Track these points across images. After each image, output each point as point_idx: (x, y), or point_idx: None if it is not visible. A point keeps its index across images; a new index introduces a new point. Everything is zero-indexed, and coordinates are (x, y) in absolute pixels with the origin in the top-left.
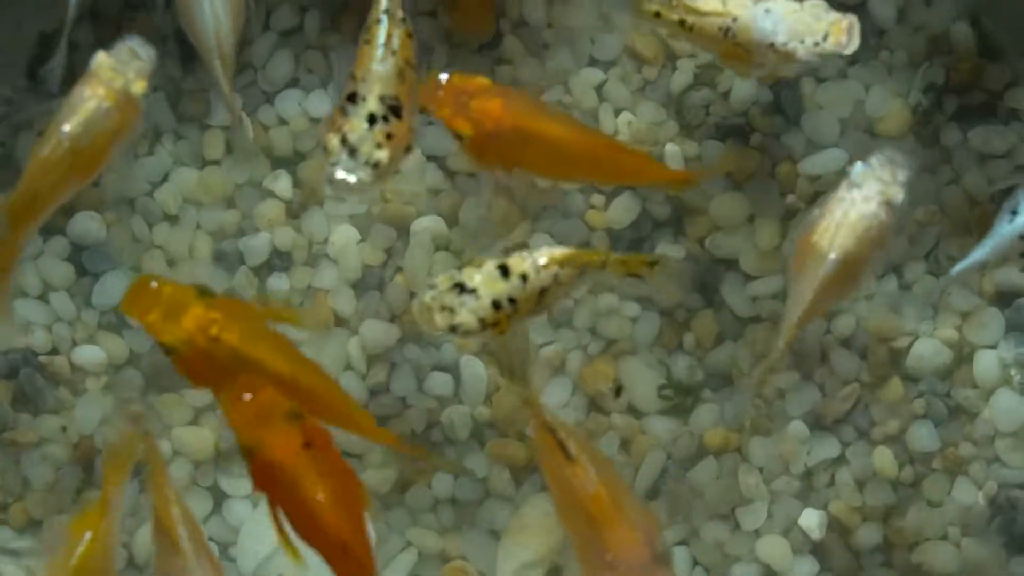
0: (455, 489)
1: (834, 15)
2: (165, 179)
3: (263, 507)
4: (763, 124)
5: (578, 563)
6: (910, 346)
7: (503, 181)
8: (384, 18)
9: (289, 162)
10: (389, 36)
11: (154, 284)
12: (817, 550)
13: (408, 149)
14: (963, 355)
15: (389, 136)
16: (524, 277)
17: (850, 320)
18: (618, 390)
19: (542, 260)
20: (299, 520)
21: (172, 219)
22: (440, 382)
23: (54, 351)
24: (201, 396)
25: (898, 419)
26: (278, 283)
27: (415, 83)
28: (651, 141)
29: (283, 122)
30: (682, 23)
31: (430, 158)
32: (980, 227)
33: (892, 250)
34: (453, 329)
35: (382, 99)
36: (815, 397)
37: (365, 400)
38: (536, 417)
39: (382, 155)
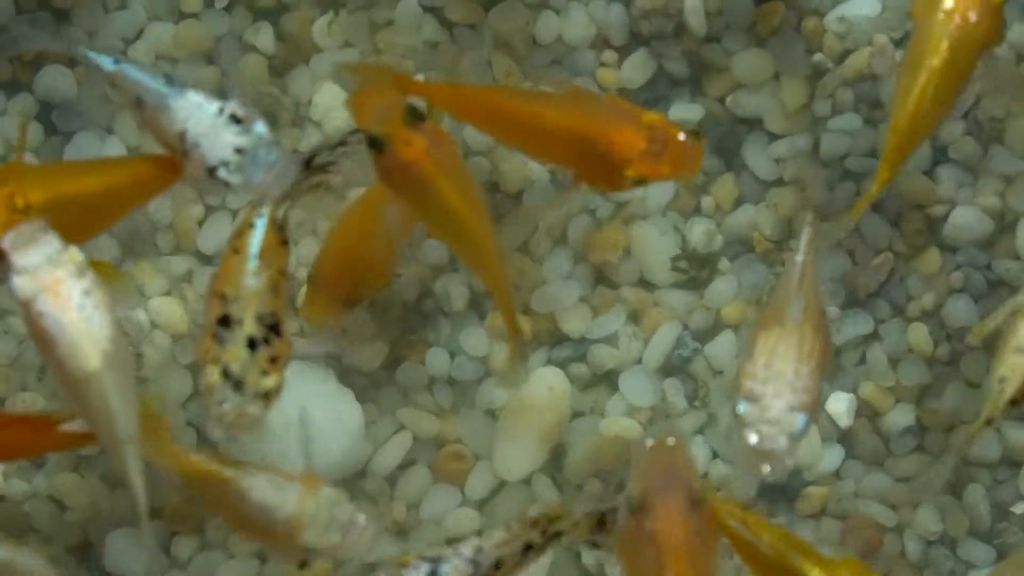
0: (452, 368)
1: None
2: (139, 35)
3: None
4: None
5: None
6: (947, 214)
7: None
8: (260, 223)
9: (272, 13)
10: (267, 246)
11: None
12: (844, 437)
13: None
14: (1004, 224)
15: (274, 359)
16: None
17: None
18: None
19: None
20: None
21: None
22: (434, 247)
23: None
24: (178, 265)
25: (934, 293)
26: None
27: (288, 292)
28: None
29: None
30: None
31: (427, 9)
32: None
33: None
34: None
35: (260, 319)
36: (845, 266)
37: None
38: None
39: (271, 382)
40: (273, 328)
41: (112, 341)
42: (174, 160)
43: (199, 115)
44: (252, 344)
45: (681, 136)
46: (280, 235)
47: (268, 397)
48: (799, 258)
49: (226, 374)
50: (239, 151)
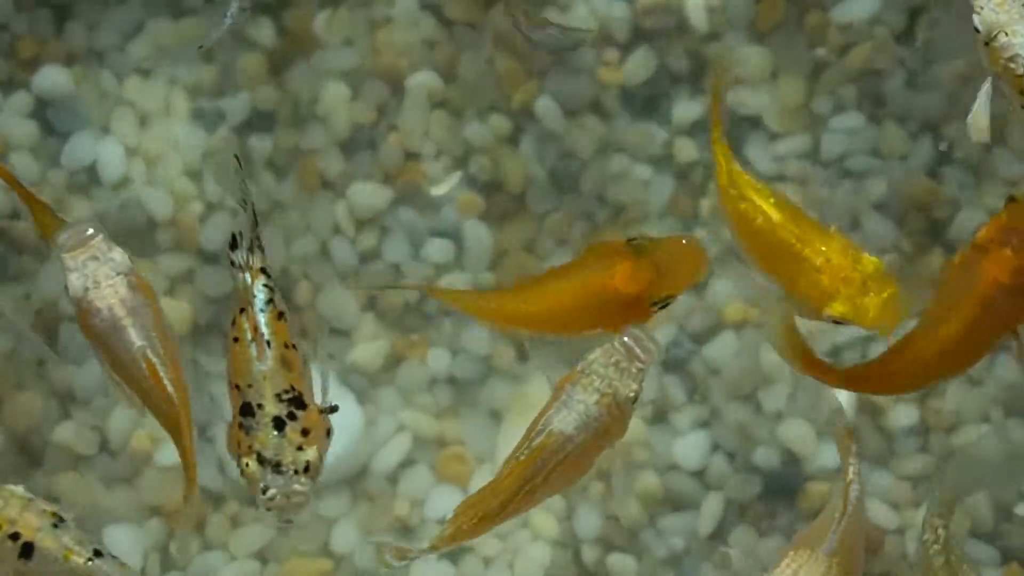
0: (453, 367)
1: None
2: (139, 31)
3: None
4: None
5: None
6: (952, 216)
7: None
8: (248, 308)
9: (273, 8)
10: (255, 328)
11: None
12: None
13: (329, 432)
14: None
15: (305, 432)
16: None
17: (881, 183)
18: None
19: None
20: None
21: (145, 73)
22: (438, 248)
23: (14, 215)
24: (177, 263)
25: None
26: (261, 143)
27: (302, 361)
28: None
29: None
30: None
31: (425, 6)
32: None
33: None
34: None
35: (278, 397)
36: None
37: (355, 267)
38: None
39: (310, 455)
40: (294, 402)
41: None
42: None
43: None
44: (279, 424)
45: None
46: (273, 308)
47: (310, 470)
48: (852, 492)
49: (262, 460)
50: None
